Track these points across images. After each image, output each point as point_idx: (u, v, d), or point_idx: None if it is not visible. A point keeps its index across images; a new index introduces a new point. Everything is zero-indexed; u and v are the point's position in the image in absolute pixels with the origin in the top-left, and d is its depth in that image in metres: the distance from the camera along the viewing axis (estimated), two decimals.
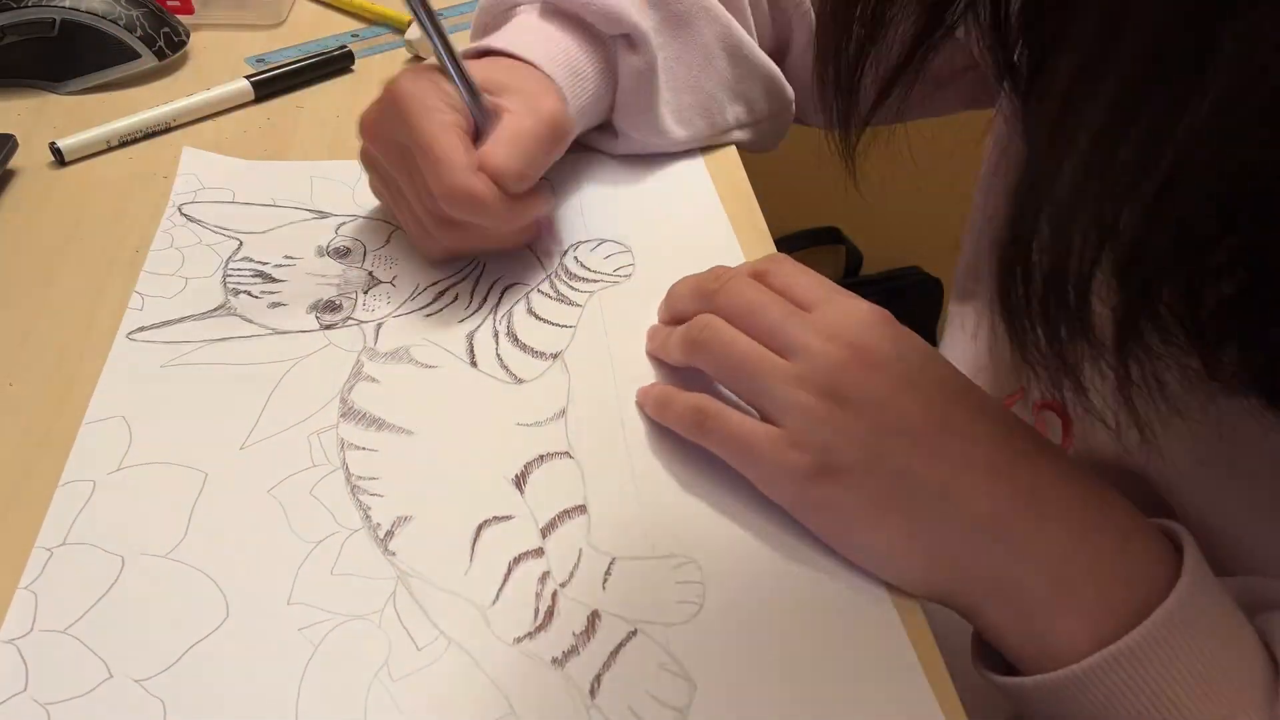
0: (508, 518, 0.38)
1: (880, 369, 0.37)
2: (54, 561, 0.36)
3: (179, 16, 0.65)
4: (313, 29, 0.68)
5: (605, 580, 0.36)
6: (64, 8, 0.59)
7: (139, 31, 0.60)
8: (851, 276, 1.27)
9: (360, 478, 0.39)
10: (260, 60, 0.64)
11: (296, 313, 0.46)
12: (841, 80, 0.40)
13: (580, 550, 0.37)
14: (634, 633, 0.35)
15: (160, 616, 0.35)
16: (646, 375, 0.44)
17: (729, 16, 0.55)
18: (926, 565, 0.35)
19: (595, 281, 0.49)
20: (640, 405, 0.42)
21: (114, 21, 0.60)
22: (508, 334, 0.46)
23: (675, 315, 0.44)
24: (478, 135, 0.46)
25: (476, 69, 0.47)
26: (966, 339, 0.54)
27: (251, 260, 0.49)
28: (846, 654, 0.35)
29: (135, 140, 0.57)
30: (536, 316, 0.47)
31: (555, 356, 0.45)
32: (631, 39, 0.51)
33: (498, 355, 0.45)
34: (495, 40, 0.50)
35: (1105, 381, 0.30)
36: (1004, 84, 0.36)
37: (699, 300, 0.42)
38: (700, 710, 0.33)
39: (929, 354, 0.38)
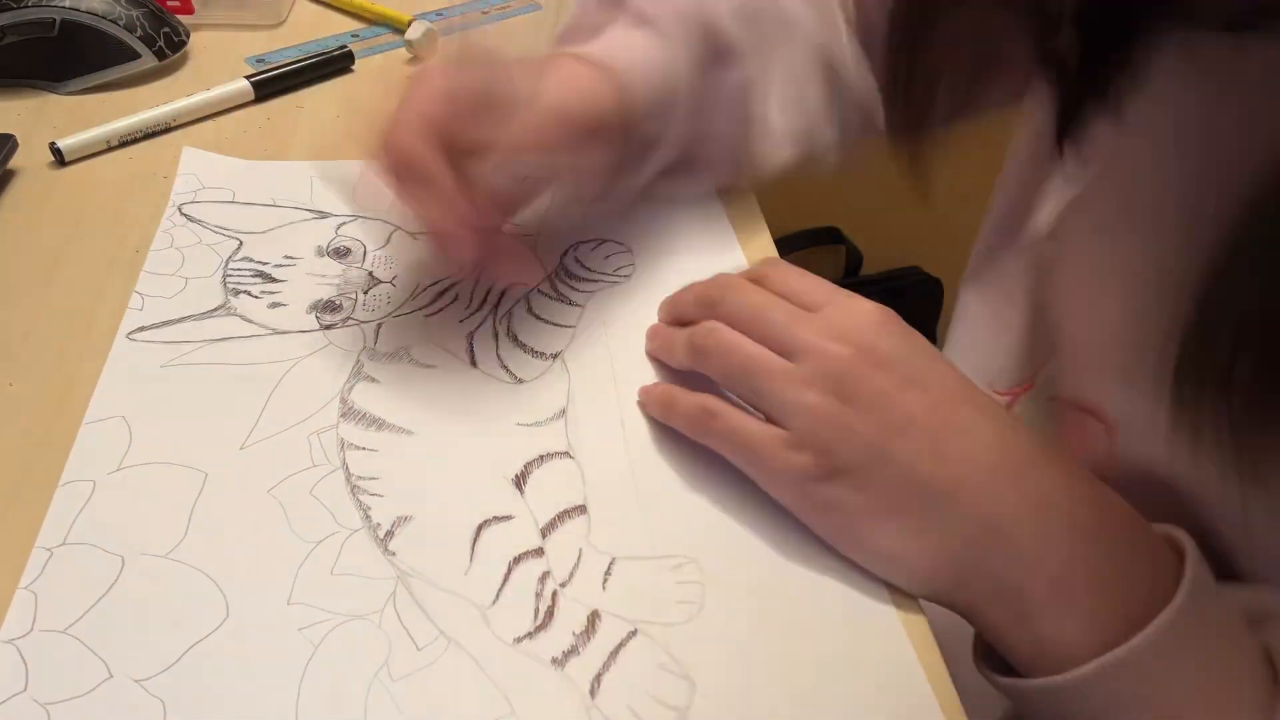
0: (508, 518, 0.38)
1: (886, 368, 0.37)
2: (54, 561, 0.36)
3: (179, 16, 0.65)
4: (313, 29, 0.68)
5: (605, 580, 0.36)
6: (64, 8, 0.59)
7: (139, 31, 0.60)
8: (851, 276, 1.27)
9: (360, 478, 0.39)
10: (260, 60, 0.64)
11: (296, 313, 0.46)
12: (916, 76, 0.40)
13: (580, 550, 0.37)
14: (634, 633, 0.35)
15: (160, 616, 0.35)
16: (646, 375, 0.44)
17: (824, 33, 0.52)
18: (929, 566, 0.35)
19: (595, 281, 0.49)
20: (642, 405, 0.42)
21: (114, 21, 0.60)
22: (508, 334, 0.46)
23: (680, 321, 0.44)
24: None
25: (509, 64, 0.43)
26: (977, 328, 0.54)
27: (251, 260, 0.49)
28: (846, 654, 0.35)
29: (135, 140, 0.57)
30: (536, 316, 0.47)
31: (555, 356, 0.45)
32: (723, 54, 0.48)
33: (498, 355, 0.45)
34: (570, 50, 0.47)
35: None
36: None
37: (703, 307, 0.42)
38: (700, 710, 0.33)
39: (934, 355, 0.38)
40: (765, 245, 0.51)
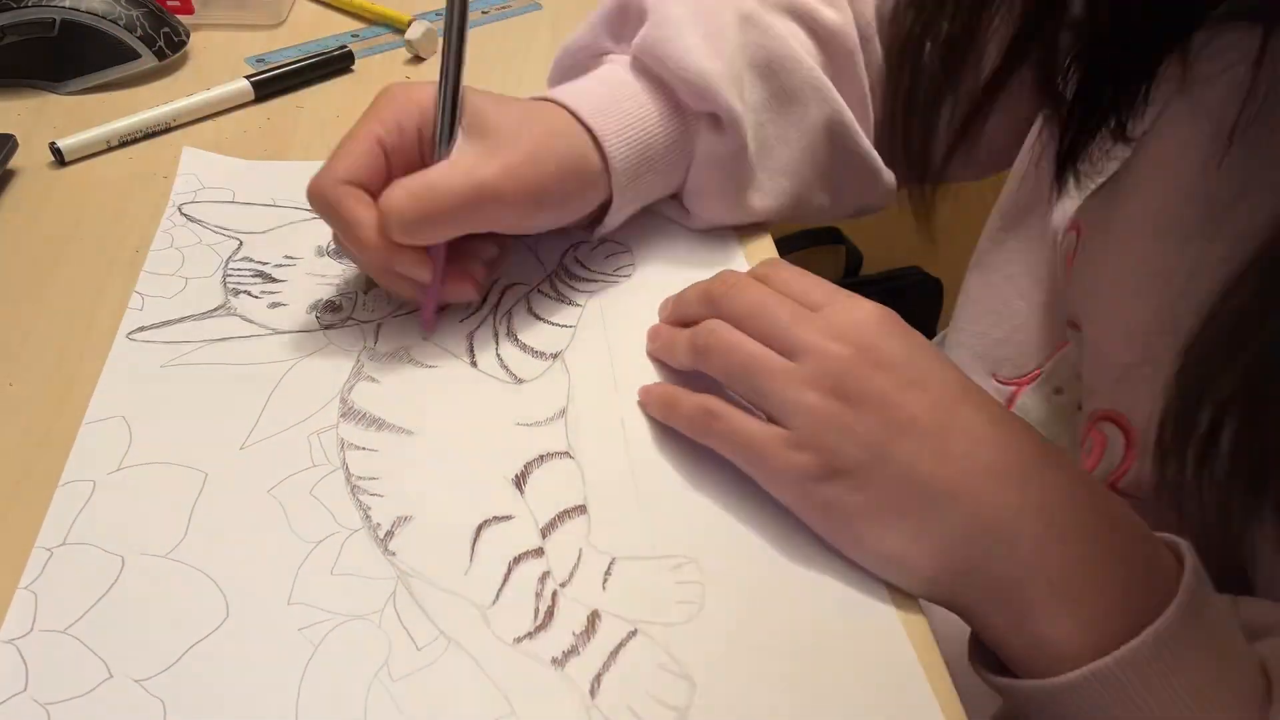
0: (508, 518, 0.38)
1: (887, 368, 0.37)
2: (54, 561, 0.36)
3: (179, 16, 0.65)
4: (313, 29, 0.68)
5: (605, 580, 0.36)
6: (64, 8, 0.59)
7: (139, 31, 0.60)
8: (851, 276, 1.27)
9: (360, 478, 0.39)
10: (260, 60, 0.64)
11: (296, 313, 0.46)
12: (914, 130, 0.40)
13: (580, 550, 0.37)
14: (634, 633, 0.35)
15: (160, 616, 0.35)
16: (646, 375, 0.44)
17: (839, 100, 0.50)
18: (929, 566, 0.35)
19: (595, 281, 0.49)
20: (643, 405, 0.42)
21: (114, 21, 0.60)
22: (508, 334, 0.46)
23: (682, 320, 0.44)
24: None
25: (493, 101, 0.44)
26: (982, 316, 0.54)
27: (251, 260, 0.49)
28: (846, 654, 0.35)
29: (135, 140, 0.57)
30: (536, 316, 0.47)
31: (555, 356, 0.45)
32: (719, 119, 0.46)
33: (498, 355, 0.45)
34: (559, 92, 0.46)
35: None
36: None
37: (705, 305, 0.42)
38: (700, 710, 0.33)
39: (935, 355, 0.38)
40: (765, 245, 0.51)
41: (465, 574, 0.36)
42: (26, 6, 0.58)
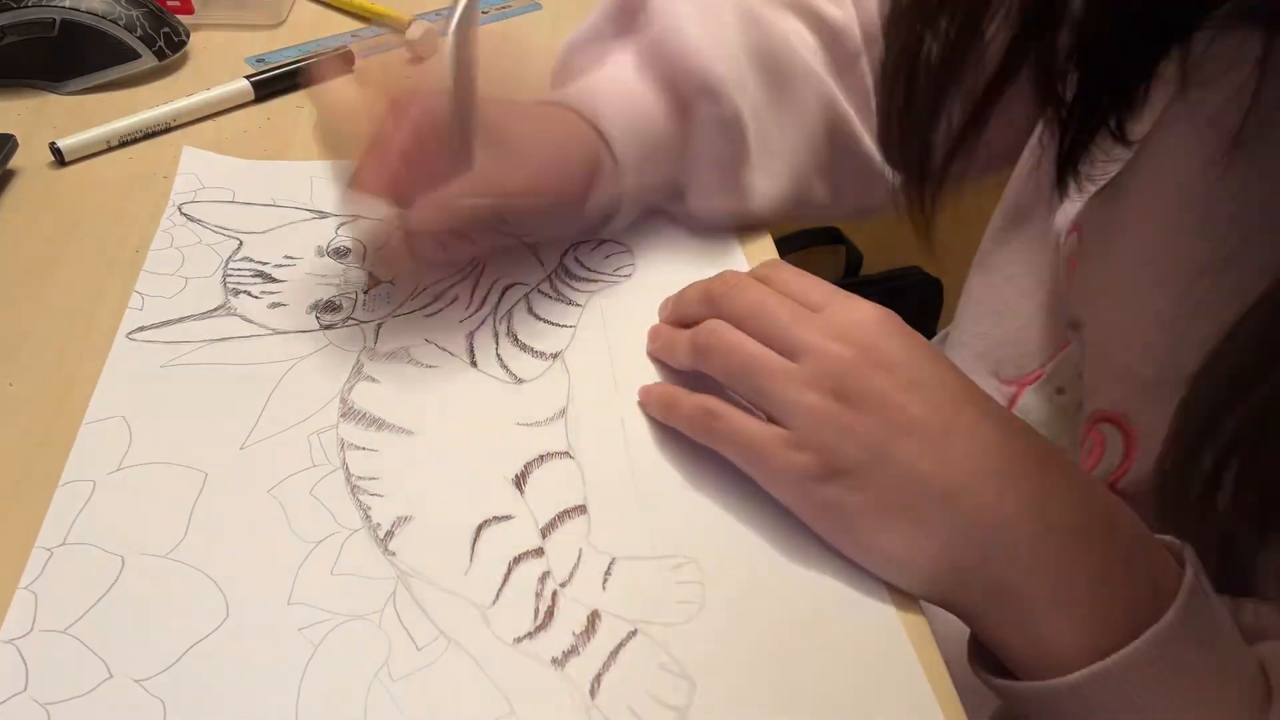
0: (508, 518, 0.38)
1: (887, 369, 0.37)
2: (54, 561, 0.36)
3: (179, 16, 0.64)
4: (313, 29, 0.68)
5: (605, 580, 0.36)
6: (64, 8, 0.59)
7: (139, 31, 0.60)
8: (851, 276, 1.27)
9: (360, 478, 0.39)
10: (260, 60, 0.64)
11: (296, 313, 0.46)
12: (913, 134, 0.40)
13: (580, 550, 0.37)
14: (634, 633, 0.35)
15: (160, 616, 0.35)
16: (647, 375, 0.44)
17: (839, 96, 0.50)
18: (929, 567, 0.35)
19: (595, 281, 0.49)
20: (643, 405, 0.42)
21: (114, 21, 0.60)
22: (508, 334, 0.46)
23: (683, 320, 0.44)
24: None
25: (506, 109, 0.44)
26: (984, 315, 0.53)
27: (251, 260, 0.49)
28: (846, 654, 0.35)
29: (135, 140, 0.57)
30: (536, 316, 0.47)
31: (555, 356, 0.45)
32: (721, 114, 0.47)
33: (498, 355, 0.45)
34: (568, 95, 0.46)
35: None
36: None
37: (706, 305, 0.42)
38: (700, 710, 0.33)
39: (935, 356, 0.38)
40: (765, 245, 0.51)
41: (465, 574, 0.36)
42: (26, 6, 0.58)
